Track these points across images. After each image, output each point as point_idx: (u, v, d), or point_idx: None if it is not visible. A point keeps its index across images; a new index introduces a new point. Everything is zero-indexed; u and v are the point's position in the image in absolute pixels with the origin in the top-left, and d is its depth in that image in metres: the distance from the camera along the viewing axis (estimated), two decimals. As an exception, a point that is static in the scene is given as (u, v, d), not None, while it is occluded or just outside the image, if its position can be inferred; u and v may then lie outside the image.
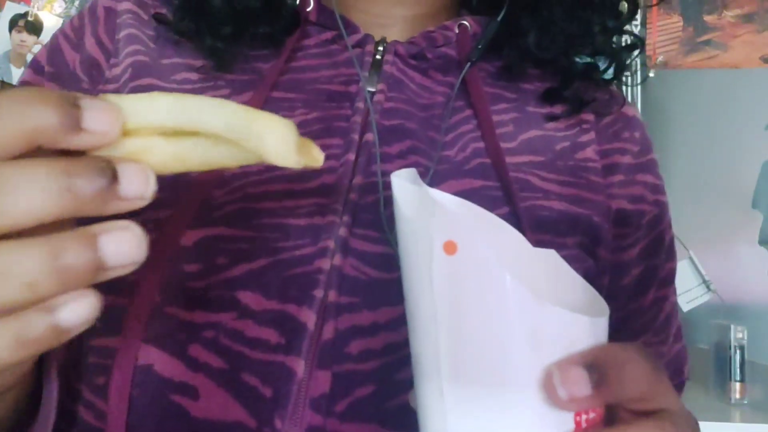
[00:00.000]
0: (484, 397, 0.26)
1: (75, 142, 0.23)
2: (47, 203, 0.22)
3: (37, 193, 0.22)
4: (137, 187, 0.24)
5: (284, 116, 0.48)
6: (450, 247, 0.26)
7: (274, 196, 0.43)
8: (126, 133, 0.25)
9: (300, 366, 0.37)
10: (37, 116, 0.23)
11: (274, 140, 0.26)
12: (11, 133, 0.22)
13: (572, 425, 0.26)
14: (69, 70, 0.52)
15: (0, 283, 0.22)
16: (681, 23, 1.66)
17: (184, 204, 0.41)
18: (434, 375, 0.27)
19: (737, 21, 1.66)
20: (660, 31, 1.59)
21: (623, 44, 0.56)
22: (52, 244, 0.23)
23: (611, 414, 0.29)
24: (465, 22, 0.53)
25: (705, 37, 1.67)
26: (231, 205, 0.42)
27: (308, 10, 0.51)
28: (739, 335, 1.46)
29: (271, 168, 0.43)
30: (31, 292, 0.22)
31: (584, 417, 0.27)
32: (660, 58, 1.60)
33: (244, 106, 0.26)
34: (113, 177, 0.24)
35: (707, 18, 1.66)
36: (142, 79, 0.49)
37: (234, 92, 0.48)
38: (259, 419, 0.37)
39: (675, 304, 0.57)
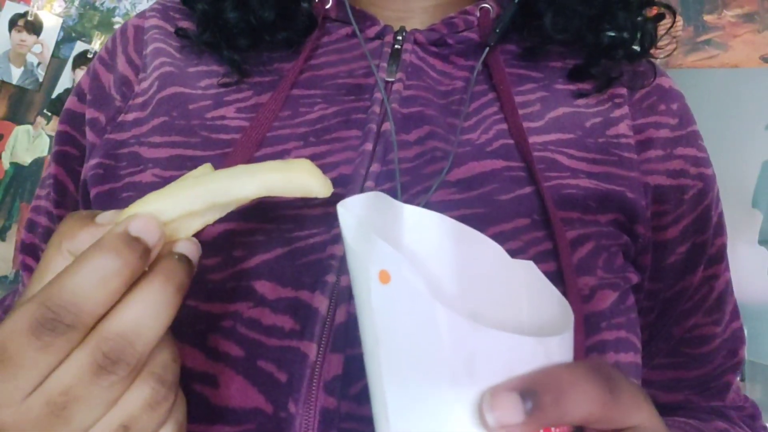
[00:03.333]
0: (424, 420, 0.27)
1: (150, 258, 0.29)
2: (172, 311, 0.29)
3: (161, 309, 0.29)
4: (198, 255, 0.32)
5: (303, 112, 0.48)
6: (384, 277, 0.27)
7: None
8: (165, 223, 0.31)
9: (312, 349, 0.38)
10: (120, 266, 0.28)
11: (316, 182, 0.32)
12: (103, 292, 0.28)
13: None
14: (105, 92, 0.55)
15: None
16: (681, 23, 1.66)
17: None
18: (379, 397, 0.28)
19: (737, 21, 1.66)
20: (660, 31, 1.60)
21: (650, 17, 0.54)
22: None
23: None
24: (486, 5, 0.53)
25: (705, 37, 1.67)
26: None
27: (327, 7, 0.52)
28: (740, 335, 1.46)
29: None
30: None
31: None
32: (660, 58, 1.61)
33: (267, 167, 0.32)
34: (189, 262, 0.31)
35: (707, 18, 1.66)
36: (169, 89, 0.51)
37: (256, 94, 0.50)
38: (276, 404, 0.38)
39: (728, 282, 0.55)
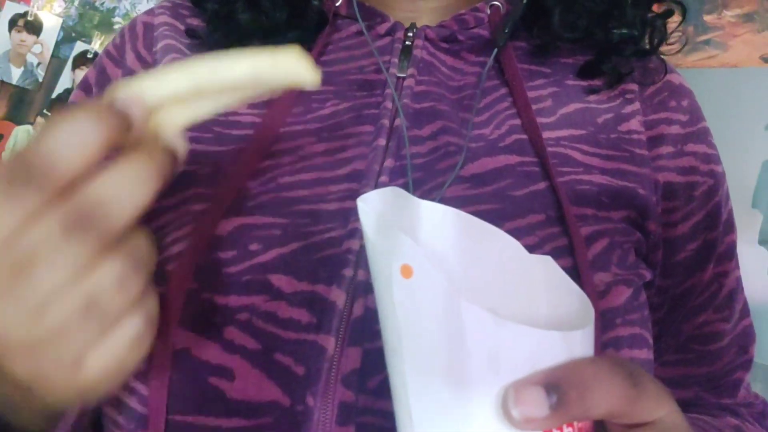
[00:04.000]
0: (448, 415, 0.27)
1: (131, 134, 0.29)
2: (150, 190, 0.28)
3: (140, 183, 0.28)
4: (184, 152, 0.32)
5: (316, 108, 0.49)
6: (406, 271, 0.26)
7: (306, 184, 0.44)
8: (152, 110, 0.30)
9: (330, 343, 0.38)
10: (99, 130, 0.27)
11: (304, 69, 0.31)
12: (78, 153, 0.27)
13: None
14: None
15: None
16: (677, 22, 1.67)
17: (219, 197, 0.43)
18: (401, 392, 0.28)
19: (737, 21, 1.66)
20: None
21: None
22: None
23: (603, 428, 0.29)
24: (496, 3, 0.53)
25: (705, 37, 1.67)
26: (264, 195, 0.43)
27: (337, 5, 0.52)
28: (740, 334, 1.46)
29: (304, 158, 0.45)
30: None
31: None
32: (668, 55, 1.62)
33: (256, 52, 0.30)
34: (174, 154, 0.30)
35: (707, 18, 1.66)
36: None
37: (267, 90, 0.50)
38: (293, 397, 0.38)
39: (738, 279, 0.55)
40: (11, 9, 1.57)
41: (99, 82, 0.56)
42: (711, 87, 1.62)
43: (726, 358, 0.56)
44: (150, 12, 0.58)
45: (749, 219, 1.59)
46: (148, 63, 0.54)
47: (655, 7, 0.55)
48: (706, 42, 1.65)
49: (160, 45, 0.54)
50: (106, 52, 0.57)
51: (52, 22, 1.59)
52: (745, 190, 1.59)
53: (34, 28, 1.59)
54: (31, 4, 1.59)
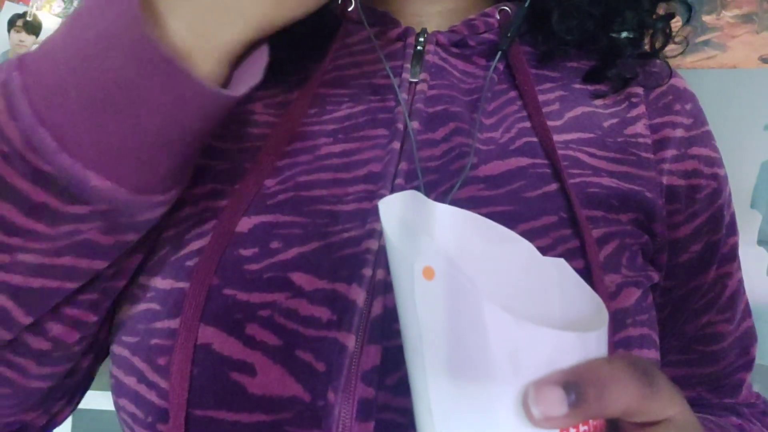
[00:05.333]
0: (468, 415, 0.27)
1: None
2: None
3: None
4: None
5: (331, 110, 0.49)
6: (428, 273, 0.27)
7: (323, 184, 0.45)
8: None
9: (351, 341, 0.39)
10: None
11: None
12: None
13: None
14: None
15: None
16: (679, 23, 1.67)
17: (239, 194, 0.44)
18: (422, 392, 0.28)
19: (736, 21, 1.66)
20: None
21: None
22: None
23: (615, 426, 0.29)
24: (506, 8, 0.53)
25: (704, 38, 1.67)
26: (283, 194, 0.44)
27: (350, 10, 0.53)
28: (740, 335, 1.47)
29: (321, 158, 0.46)
30: None
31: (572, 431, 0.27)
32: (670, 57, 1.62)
33: None
34: None
35: (706, 18, 1.67)
36: None
37: (283, 91, 0.51)
38: (313, 393, 0.38)
39: (740, 281, 0.56)
40: (10, 9, 1.57)
41: None
42: (710, 88, 1.62)
43: (728, 358, 0.57)
44: None
45: (748, 219, 1.60)
46: None
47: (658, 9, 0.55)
48: (705, 43, 1.65)
49: None
50: None
51: (51, 22, 1.59)
52: (744, 190, 1.60)
53: (33, 28, 1.58)
54: (30, 4, 1.58)
